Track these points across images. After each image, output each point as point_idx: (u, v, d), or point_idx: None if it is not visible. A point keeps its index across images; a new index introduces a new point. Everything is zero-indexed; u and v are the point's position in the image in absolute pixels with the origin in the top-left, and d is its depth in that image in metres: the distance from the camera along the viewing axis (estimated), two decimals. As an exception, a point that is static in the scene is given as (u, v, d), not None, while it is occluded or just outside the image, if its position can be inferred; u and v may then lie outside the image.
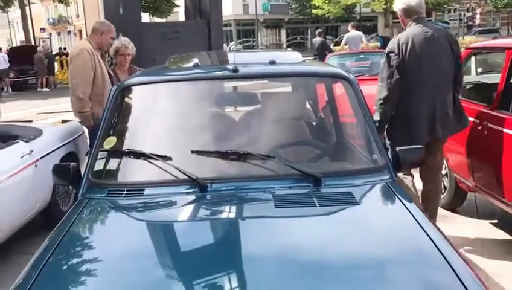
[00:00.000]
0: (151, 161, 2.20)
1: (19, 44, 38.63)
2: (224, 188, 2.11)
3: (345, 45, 12.92)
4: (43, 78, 20.18)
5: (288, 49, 34.33)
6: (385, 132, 3.59)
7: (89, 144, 4.72)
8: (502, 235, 3.98)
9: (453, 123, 3.61)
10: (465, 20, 36.85)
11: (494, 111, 3.64)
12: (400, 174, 3.22)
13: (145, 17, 29.37)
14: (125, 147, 2.38)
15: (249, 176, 2.18)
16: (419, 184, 3.87)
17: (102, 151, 2.35)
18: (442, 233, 1.79)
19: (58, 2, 29.81)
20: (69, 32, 56.24)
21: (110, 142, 2.37)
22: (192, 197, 2.08)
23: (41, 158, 4.10)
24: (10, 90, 19.77)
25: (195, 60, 2.91)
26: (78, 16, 50.13)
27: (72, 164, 2.33)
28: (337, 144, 2.73)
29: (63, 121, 5.65)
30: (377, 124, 3.41)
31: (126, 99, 2.68)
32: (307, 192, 2.07)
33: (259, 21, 43.92)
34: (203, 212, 2.10)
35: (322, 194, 2.05)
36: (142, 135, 2.55)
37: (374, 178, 2.19)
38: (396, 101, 3.50)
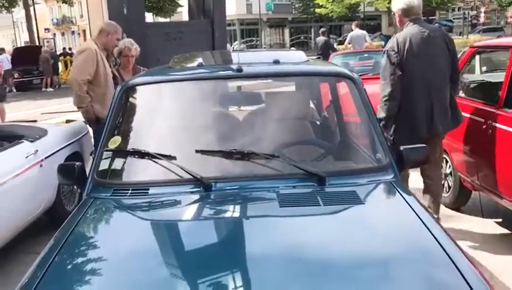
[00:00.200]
0: (156, 160, 2.20)
1: (23, 44, 38.74)
2: (228, 188, 2.12)
3: (349, 44, 12.87)
4: (48, 78, 20.23)
5: (292, 48, 34.32)
6: (392, 130, 3.61)
7: (93, 143, 4.74)
8: (507, 233, 3.98)
9: (450, 119, 3.68)
10: (470, 18, 36.74)
11: (498, 110, 3.63)
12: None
13: (149, 17, 29.42)
14: (129, 147, 2.39)
15: (253, 175, 2.19)
16: (419, 181, 3.87)
17: (107, 151, 2.36)
18: (446, 232, 1.79)
19: (62, 3, 29.88)
20: (73, 32, 56.45)
21: (115, 141, 2.38)
22: (196, 197, 2.08)
23: (46, 158, 4.11)
24: (14, 91, 19.82)
25: (199, 60, 2.92)
26: (82, 16, 50.40)
27: (77, 163, 2.33)
28: (341, 143, 2.73)
29: (67, 121, 5.66)
30: (383, 122, 3.44)
31: (131, 99, 2.69)
32: (311, 191, 2.07)
33: (262, 20, 43.96)
34: (207, 211, 2.10)
35: (326, 194, 2.05)
36: (147, 135, 2.55)
37: (378, 177, 2.19)
38: (400, 98, 3.55)
